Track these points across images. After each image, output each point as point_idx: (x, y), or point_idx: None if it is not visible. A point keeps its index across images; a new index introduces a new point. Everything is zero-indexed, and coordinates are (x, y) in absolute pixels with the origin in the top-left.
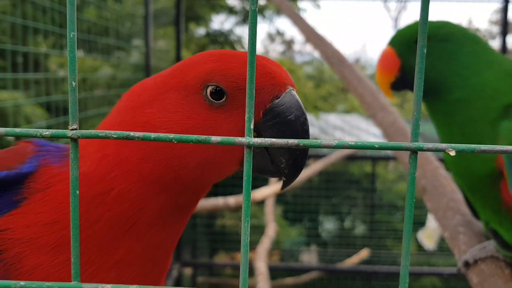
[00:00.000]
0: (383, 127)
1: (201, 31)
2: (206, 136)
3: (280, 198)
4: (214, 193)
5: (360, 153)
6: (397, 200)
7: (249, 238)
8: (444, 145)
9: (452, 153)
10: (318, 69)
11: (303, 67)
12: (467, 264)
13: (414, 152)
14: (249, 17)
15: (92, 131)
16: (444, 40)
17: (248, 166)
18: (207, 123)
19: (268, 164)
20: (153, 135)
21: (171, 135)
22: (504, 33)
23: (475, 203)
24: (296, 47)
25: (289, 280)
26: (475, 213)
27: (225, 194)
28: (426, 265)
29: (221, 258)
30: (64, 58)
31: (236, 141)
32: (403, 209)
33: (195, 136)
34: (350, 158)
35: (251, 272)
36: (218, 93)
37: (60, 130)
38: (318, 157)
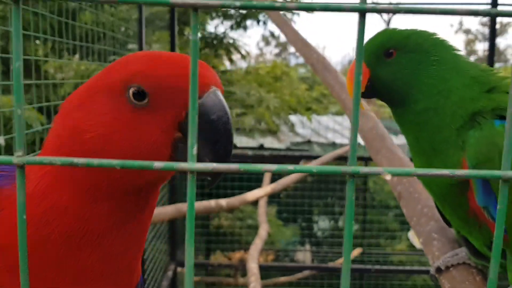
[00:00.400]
0: (363, 133)
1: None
2: (149, 162)
3: (274, 198)
4: (209, 195)
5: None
6: (389, 200)
7: (193, 261)
8: (380, 169)
9: (388, 177)
10: (312, 71)
11: (298, 69)
12: (439, 270)
13: (351, 175)
14: (191, 47)
15: (37, 158)
16: (411, 51)
17: (191, 191)
18: (131, 125)
19: None
20: (95, 161)
21: (114, 161)
22: (492, 36)
23: (445, 211)
24: (291, 49)
25: (283, 279)
26: (447, 221)
27: (218, 196)
28: (416, 263)
29: (218, 258)
30: (60, 62)
31: (179, 166)
32: (395, 208)
33: (138, 162)
34: (343, 159)
35: (245, 272)
36: (140, 95)
37: (5, 157)
38: (309, 158)
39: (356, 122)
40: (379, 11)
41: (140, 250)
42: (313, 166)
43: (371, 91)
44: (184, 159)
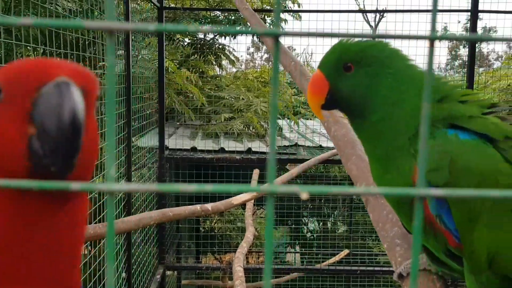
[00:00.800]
0: (336, 140)
1: (187, 40)
2: (66, 183)
3: (264, 201)
4: (197, 198)
5: (338, 157)
6: None
7: (113, 280)
8: (296, 188)
9: (304, 196)
10: None
11: (286, 74)
12: (401, 277)
13: (270, 194)
14: (107, 70)
15: None
16: (367, 65)
17: (110, 211)
18: None
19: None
20: None
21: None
22: (472, 43)
23: (401, 219)
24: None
25: (271, 281)
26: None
27: (206, 199)
28: None
29: (209, 261)
30: None
31: (97, 187)
32: None
33: (53, 182)
34: (331, 161)
35: (231, 276)
36: None
37: None
38: (295, 161)
39: (273, 142)
40: (292, 34)
41: (70, 261)
42: (232, 185)
43: (331, 103)
44: (38, 154)
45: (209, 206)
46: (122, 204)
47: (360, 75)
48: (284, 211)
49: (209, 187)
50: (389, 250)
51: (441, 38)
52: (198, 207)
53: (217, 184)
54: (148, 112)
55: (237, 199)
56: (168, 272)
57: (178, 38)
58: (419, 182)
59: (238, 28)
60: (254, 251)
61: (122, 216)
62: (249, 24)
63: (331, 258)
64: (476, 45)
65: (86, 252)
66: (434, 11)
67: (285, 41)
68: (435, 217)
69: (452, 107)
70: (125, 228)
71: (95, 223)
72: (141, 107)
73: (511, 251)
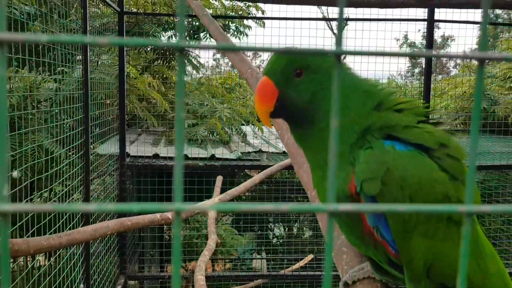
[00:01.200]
0: (288, 147)
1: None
2: None
3: None
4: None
5: None
6: None
7: None
8: (203, 206)
9: (212, 214)
10: None
11: None
12: (346, 285)
13: (176, 213)
14: None
15: None
16: (314, 72)
17: (4, 235)
18: None
19: None
20: None
21: None
22: (429, 48)
23: (342, 229)
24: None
25: None
26: None
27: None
28: None
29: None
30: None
31: None
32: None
33: None
34: (291, 167)
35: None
36: None
37: None
38: (258, 168)
39: (179, 159)
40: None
41: None
42: (135, 204)
43: (280, 111)
44: None
45: (169, 214)
46: (81, 213)
47: (309, 81)
48: (249, 217)
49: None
50: (336, 258)
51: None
52: (158, 215)
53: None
54: (109, 118)
55: (196, 208)
56: (130, 282)
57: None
58: (329, 197)
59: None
60: (221, 258)
61: (80, 225)
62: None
63: (295, 264)
64: (435, 52)
65: (41, 264)
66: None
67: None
68: (373, 228)
69: (388, 115)
70: (81, 238)
71: (50, 233)
72: (101, 113)
73: (446, 260)
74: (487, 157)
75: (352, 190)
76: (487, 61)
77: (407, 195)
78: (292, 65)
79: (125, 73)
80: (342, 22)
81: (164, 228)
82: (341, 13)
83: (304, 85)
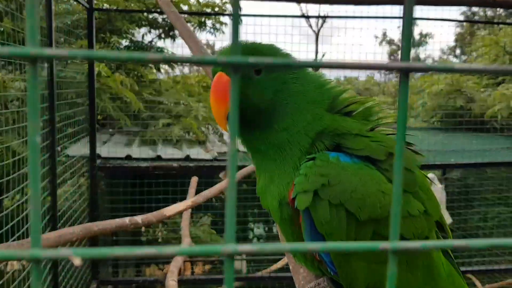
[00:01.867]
0: None
1: (126, 43)
2: None
3: (208, 207)
4: (132, 209)
5: None
6: None
7: None
8: (67, 253)
9: (77, 262)
10: None
11: None
12: None
13: (36, 261)
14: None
15: None
16: (274, 69)
17: None
18: None
19: None
20: None
21: None
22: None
23: (287, 239)
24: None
25: None
26: None
27: (142, 210)
28: None
29: (154, 271)
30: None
31: None
32: None
33: None
34: None
35: None
36: None
37: None
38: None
39: None
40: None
41: None
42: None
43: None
44: None
45: (139, 218)
46: (47, 217)
47: (270, 79)
48: None
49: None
50: (294, 272)
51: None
52: (127, 220)
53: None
54: (81, 118)
55: (169, 210)
56: (102, 287)
57: (113, 41)
58: (227, 237)
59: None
60: (200, 260)
61: (47, 230)
62: (176, 29)
63: (275, 264)
64: (413, 49)
65: (16, 269)
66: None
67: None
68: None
69: (340, 121)
70: (44, 245)
71: (13, 240)
72: (72, 113)
73: (385, 281)
74: (464, 155)
75: (290, 199)
76: (412, 72)
77: (348, 209)
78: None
79: (95, 71)
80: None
81: (142, 230)
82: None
83: (264, 84)
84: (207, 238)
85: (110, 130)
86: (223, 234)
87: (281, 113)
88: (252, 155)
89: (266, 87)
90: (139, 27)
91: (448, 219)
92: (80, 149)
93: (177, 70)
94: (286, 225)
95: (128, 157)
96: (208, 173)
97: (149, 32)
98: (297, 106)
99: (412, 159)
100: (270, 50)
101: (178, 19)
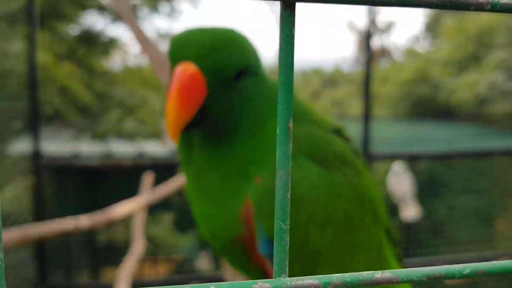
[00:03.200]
0: None
1: (75, 30)
2: None
3: (169, 207)
4: (85, 207)
5: None
6: None
7: None
8: None
9: None
10: None
11: None
12: None
13: None
14: None
15: None
16: (254, 74)
17: None
18: None
19: None
20: None
21: None
22: (368, 36)
23: (227, 259)
24: None
25: None
26: None
27: (96, 207)
28: None
29: (110, 274)
30: None
31: None
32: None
33: None
34: None
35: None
36: None
37: None
38: None
39: None
40: None
41: None
42: None
43: (195, 122)
44: None
45: (85, 220)
46: None
47: (249, 85)
48: (190, 216)
49: None
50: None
51: None
52: (71, 224)
53: None
54: (24, 113)
55: (118, 212)
56: None
57: (62, 29)
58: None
59: None
60: (163, 260)
61: None
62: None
63: None
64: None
65: None
66: None
67: None
68: (265, 257)
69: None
70: None
71: None
72: (13, 107)
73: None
74: (431, 144)
75: (248, 218)
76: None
77: (308, 212)
78: (236, 63)
79: (35, 61)
80: None
81: (95, 231)
82: None
83: (243, 91)
84: (171, 238)
85: (55, 126)
86: (186, 231)
87: (247, 125)
88: (193, 175)
89: (244, 96)
90: (83, 9)
91: (416, 211)
92: (21, 147)
93: (129, 62)
94: (233, 251)
95: (77, 155)
96: (164, 169)
97: (101, 18)
98: (265, 118)
99: (359, 169)
100: (246, 42)
101: (124, 8)
